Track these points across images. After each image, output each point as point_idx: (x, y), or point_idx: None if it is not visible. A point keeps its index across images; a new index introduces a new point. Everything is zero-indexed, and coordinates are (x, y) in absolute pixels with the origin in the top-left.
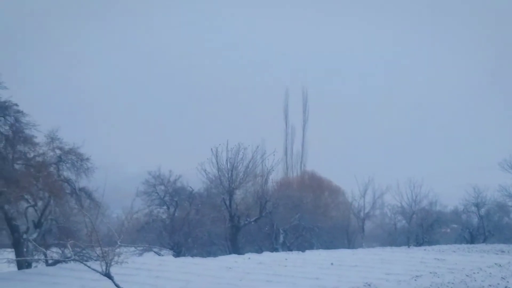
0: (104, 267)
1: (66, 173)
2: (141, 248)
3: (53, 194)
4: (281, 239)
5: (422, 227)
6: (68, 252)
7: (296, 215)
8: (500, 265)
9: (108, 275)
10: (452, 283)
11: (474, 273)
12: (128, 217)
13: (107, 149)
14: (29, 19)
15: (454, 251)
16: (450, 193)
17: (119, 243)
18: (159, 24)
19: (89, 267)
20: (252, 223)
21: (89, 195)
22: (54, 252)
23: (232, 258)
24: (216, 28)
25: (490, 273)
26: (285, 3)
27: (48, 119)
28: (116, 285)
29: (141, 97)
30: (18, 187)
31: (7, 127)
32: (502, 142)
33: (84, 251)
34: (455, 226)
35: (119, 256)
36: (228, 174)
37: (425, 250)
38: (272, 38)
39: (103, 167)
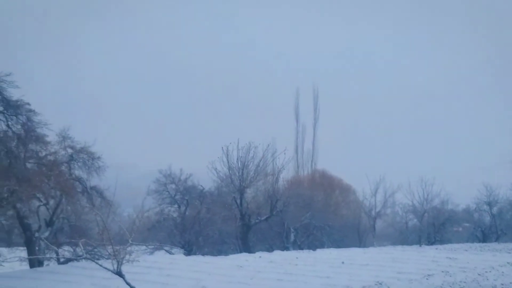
0: (115, 266)
1: (77, 172)
2: (152, 246)
3: (64, 193)
4: (292, 237)
5: (434, 226)
6: (79, 250)
7: (307, 214)
8: None
9: (119, 274)
10: (464, 282)
11: (486, 272)
12: (139, 216)
13: (118, 148)
14: (39, 21)
15: (466, 250)
16: (462, 192)
17: (130, 242)
18: (171, 24)
19: (100, 265)
20: (263, 221)
21: (100, 193)
22: (65, 251)
23: (243, 257)
24: (228, 28)
25: (503, 272)
26: (296, 4)
27: (58, 118)
28: (127, 283)
29: (152, 96)
30: (30, 186)
31: (19, 126)
32: None
33: (95, 250)
34: (467, 224)
35: (130, 255)
36: (239, 172)
37: (436, 249)
38: (283, 37)
39: (115, 166)
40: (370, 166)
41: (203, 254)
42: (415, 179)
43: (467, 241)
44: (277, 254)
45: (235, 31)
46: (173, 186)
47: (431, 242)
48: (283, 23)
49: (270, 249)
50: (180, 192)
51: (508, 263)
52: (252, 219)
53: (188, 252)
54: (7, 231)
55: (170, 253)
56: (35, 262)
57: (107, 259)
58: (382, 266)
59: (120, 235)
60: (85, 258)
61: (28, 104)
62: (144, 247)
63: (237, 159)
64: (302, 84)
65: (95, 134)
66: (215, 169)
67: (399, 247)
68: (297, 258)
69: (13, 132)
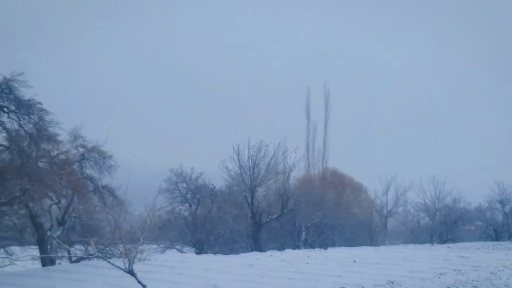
0: (127, 264)
1: (89, 171)
2: (164, 245)
3: (76, 192)
4: (303, 236)
5: (446, 225)
6: (91, 249)
7: (318, 212)
8: None
9: (131, 272)
10: (477, 281)
11: (498, 270)
12: (151, 215)
13: (127, 148)
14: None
15: (478, 249)
16: (473, 190)
17: (141, 240)
18: (180, 22)
19: (112, 264)
20: (274, 220)
21: (112, 192)
22: (77, 249)
23: (254, 256)
24: (238, 26)
25: None
26: (306, 2)
27: (64, 118)
28: (139, 282)
29: (163, 95)
30: (42, 185)
31: (31, 125)
32: None
33: (107, 248)
34: (479, 223)
35: (141, 253)
36: (250, 171)
37: (448, 247)
38: (293, 35)
39: (126, 165)
40: (382, 164)
41: (214, 253)
42: (426, 177)
43: (479, 240)
44: (288, 253)
45: (245, 30)
46: (184, 185)
47: (443, 240)
48: (294, 21)
49: (281, 247)
50: (191, 191)
51: None
52: (263, 217)
53: (199, 250)
54: (19, 230)
55: (181, 251)
56: (47, 261)
57: (118, 257)
58: (394, 265)
59: (131, 234)
60: (97, 257)
61: (40, 103)
62: (155, 245)
63: (248, 157)
64: (314, 82)
65: (103, 133)
66: (226, 167)
67: (411, 246)
68: (308, 256)
69: (25, 131)
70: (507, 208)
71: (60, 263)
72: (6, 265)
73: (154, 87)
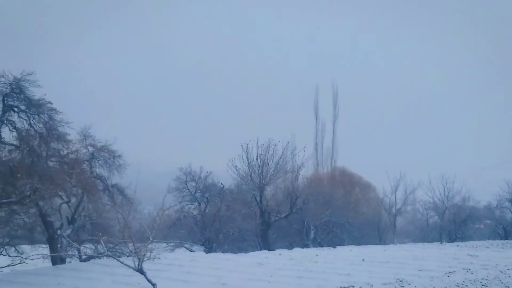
0: (136, 263)
1: (98, 170)
2: (173, 244)
3: (86, 191)
4: (312, 235)
5: (455, 223)
6: (101, 248)
7: (327, 211)
8: None
9: (140, 271)
10: (486, 279)
11: (508, 269)
12: (160, 213)
13: (139, 147)
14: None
15: (488, 247)
16: (483, 189)
17: (151, 239)
18: (188, 21)
19: (122, 262)
20: (283, 219)
21: (121, 191)
22: (87, 248)
23: (263, 254)
24: (246, 26)
25: None
26: (314, 2)
27: (73, 117)
28: (148, 280)
29: (171, 95)
30: (52, 184)
31: (41, 125)
32: None
33: (117, 247)
34: (489, 221)
35: (151, 252)
36: (258, 170)
37: (458, 246)
38: (302, 34)
39: (135, 164)
40: (390, 163)
41: (223, 252)
42: (435, 176)
43: (488, 238)
44: (297, 251)
45: (253, 29)
46: (193, 184)
47: (452, 239)
48: (303, 20)
49: (290, 246)
50: (200, 190)
51: None
52: (272, 216)
53: (209, 249)
54: (30, 229)
55: (191, 250)
56: (57, 259)
57: (128, 256)
58: (403, 264)
59: (141, 233)
60: (107, 255)
61: (50, 103)
62: (164, 244)
63: (257, 156)
64: (322, 81)
65: (116, 132)
66: (235, 166)
67: (420, 244)
68: (317, 255)
69: (35, 130)
70: None
71: (70, 262)
72: (16, 264)
73: (162, 87)
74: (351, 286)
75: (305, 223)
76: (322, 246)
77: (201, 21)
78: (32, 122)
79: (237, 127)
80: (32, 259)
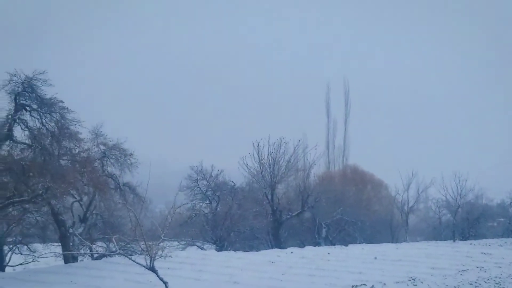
0: (148, 261)
1: (110, 169)
2: (184, 242)
3: (98, 189)
4: (324, 233)
5: (468, 221)
6: (113, 246)
7: (339, 209)
8: None
9: (152, 269)
10: (499, 277)
11: None
12: (171, 212)
13: (151, 145)
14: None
15: (501, 245)
16: (496, 187)
17: (162, 237)
18: (200, 22)
19: (133, 261)
20: (294, 217)
21: (133, 190)
22: (99, 246)
23: (274, 252)
24: (257, 25)
25: None
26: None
27: (90, 115)
28: (160, 278)
29: (183, 95)
30: (64, 183)
31: (53, 124)
32: None
33: (128, 245)
34: (502, 219)
35: (162, 250)
36: (270, 168)
37: (471, 244)
38: (313, 33)
39: (147, 162)
40: (403, 161)
41: (234, 250)
42: (448, 174)
43: (501, 236)
44: (309, 250)
45: (264, 29)
46: (205, 182)
47: (465, 237)
48: (314, 19)
49: (301, 244)
50: (212, 188)
51: None
52: (283, 214)
53: (220, 247)
54: (42, 227)
55: (202, 248)
56: (69, 258)
57: (140, 254)
58: (415, 262)
59: (152, 231)
60: (119, 254)
61: (62, 101)
62: (176, 242)
63: (268, 154)
64: (334, 79)
65: (123, 131)
66: (246, 165)
67: (433, 243)
68: (329, 253)
69: (47, 129)
70: None
71: (82, 260)
72: (29, 262)
73: (175, 86)
74: (363, 284)
75: (317, 221)
76: (334, 245)
77: (218, 20)
78: (44, 121)
79: (249, 125)
80: (44, 257)
